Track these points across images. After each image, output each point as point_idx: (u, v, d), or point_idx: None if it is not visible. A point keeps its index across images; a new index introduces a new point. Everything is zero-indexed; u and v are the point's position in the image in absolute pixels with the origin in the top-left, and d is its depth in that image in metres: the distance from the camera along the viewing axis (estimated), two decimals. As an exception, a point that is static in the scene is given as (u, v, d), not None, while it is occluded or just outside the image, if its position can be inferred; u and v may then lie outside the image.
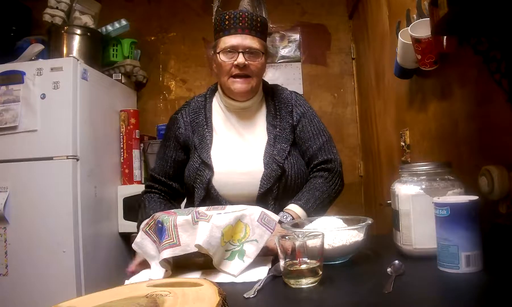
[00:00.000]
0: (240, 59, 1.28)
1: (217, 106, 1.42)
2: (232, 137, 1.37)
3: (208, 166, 1.30)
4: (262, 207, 1.25)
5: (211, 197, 1.29)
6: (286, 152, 1.33)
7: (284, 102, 1.41)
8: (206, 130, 1.37)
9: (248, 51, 1.29)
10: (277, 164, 1.30)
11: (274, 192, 1.29)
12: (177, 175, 1.40)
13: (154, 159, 1.48)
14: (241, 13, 1.31)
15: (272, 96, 1.43)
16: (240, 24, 1.29)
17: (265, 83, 1.46)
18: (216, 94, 1.44)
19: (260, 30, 1.32)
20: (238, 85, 1.31)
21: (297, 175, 1.34)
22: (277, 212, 1.27)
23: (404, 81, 1.71)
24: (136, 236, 1.04)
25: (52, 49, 2.49)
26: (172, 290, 0.71)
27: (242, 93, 1.33)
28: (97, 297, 0.72)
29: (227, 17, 1.31)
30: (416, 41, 1.27)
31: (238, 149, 1.35)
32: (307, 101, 1.47)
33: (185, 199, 1.46)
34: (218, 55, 1.32)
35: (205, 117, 1.39)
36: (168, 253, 0.92)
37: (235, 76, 1.31)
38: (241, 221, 1.00)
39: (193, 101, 1.45)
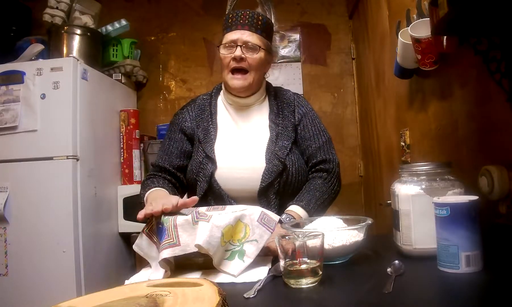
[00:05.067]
0: (237, 52, 1.32)
1: (222, 104, 1.45)
2: (235, 133, 1.40)
3: (212, 160, 1.32)
4: (264, 202, 1.27)
5: (213, 191, 1.31)
6: (288, 149, 1.35)
7: (287, 102, 1.45)
8: (211, 125, 1.40)
9: (246, 46, 1.33)
10: (278, 160, 1.32)
11: (275, 187, 1.31)
12: (182, 167, 1.40)
13: (155, 158, 1.47)
14: (243, 12, 1.36)
15: (275, 96, 1.46)
16: (241, 21, 1.34)
17: (269, 85, 1.50)
18: (221, 92, 1.48)
19: (261, 28, 1.35)
20: (235, 81, 1.35)
21: (298, 172, 1.35)
22: (278, 208, 1.29)
23: (404, 81, 1.71)
24: (136, 236, 1.05)
25: (52, 49, 2.49)
26: (172, 290, 0.71)
27: (240, 89, 1.37)
28: (97, 297, 0.72)
29: (230, 16, 1.37)
30: (416, 41, 1.27)
31: (240, 145, 1.37)
32: (308, 103, 1.50)
33: (185, 195, 1.46)
34: (219, 49, 1.37)
35: (210, 113, 1.42)
36: (167, 253, 0.92)
37: (233, 72, 1.35)
38: (241, 221, 1.01)
39: (199, 99, 1.49)
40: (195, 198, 1.10)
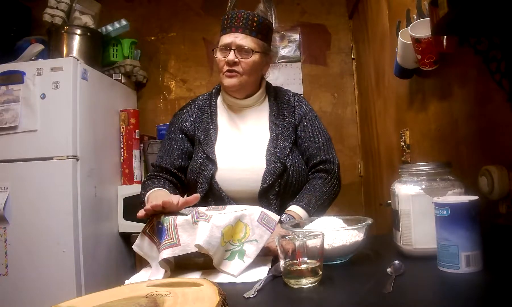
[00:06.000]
0: (230, 56, 1.33)
1: (222, 105, 1.45)
2: (236, 134, 1.40)
3: (212, 161, 1.32)
4: (264, 203, 1.27)
5: (214, 192, 1.31)
6: (288, 150, 1.35)
7: (287, 103, 1.44)
8: (211, 126, 1.40)
9: (239, 49, 1.33)
10: (279, 161, 1.32)
11: (276, 188, 1.31)
12: (183, 168, 1.40)
13: (155, 158, 1.46)
14: (237, 13, 1.35)
15: (275, 97, 1.46)
16: (235, 23, 1.34)
17: (269, 85, 1.50)
18: (221, 93, 1.47)
19: (256, 29, 1.34)
20: (227, 80, 1.35)
21: (298, 173, 1.35)
22: (278, 208, 1.29)
23: (404, 81, 1.71)
24: (136, 236, 1.05)
25: (52, 49, 2.49)
26: (172, 290, 0.71)
27: (232, 88, 1.37)
28: (97, 297, 0.72)
29: (226, 17, 1.37)
30: (416, 41, 1.27)
31: (241, 146, 1.37)
32: (308, 103, 1.50)
33: (185, 196, 1.46)
34: (214, 52, 1.37)
35: (211, 114, 1.42)
36: (168, 253, 0.92)
37: (226, 72, 1.35)
38: (241, 221, 1.01)
39: (199, 99, 1.49)
40: (196, 195, 1.10)
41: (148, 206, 1.02)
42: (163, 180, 1.36)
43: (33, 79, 2.18)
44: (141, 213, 1.03)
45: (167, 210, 1.02)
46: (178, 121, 1.44)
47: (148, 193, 1.28)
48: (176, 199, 1.05)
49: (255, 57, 1.34)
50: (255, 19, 1.35)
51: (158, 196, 1.22)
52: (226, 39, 1.34)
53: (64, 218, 2.10)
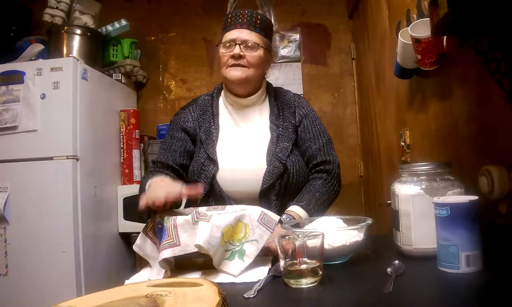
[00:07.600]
0: (236, 50, 1.33)
1: (223, 105, 1.45)
2: (236, 135, 1.40)
3: (214, 162, 1.32)
4: (265, 203, 1.27)
5: (215, 192, 1.31)
6: (288, 151, 1.35)
7: (287, 103, 1.45)
8: (213, 126, 1.40)
9: (245, 44, 1.33)
10: (279, 161, 1.32)
11: (276, 188, 1.31)
12: (185, 166, 1.40)
13: (155, 157, 1.46)
14: (241, 11, 1.37)
15: (275, 97, 1.46)
16: (240, 20, 1.35)
17: (269, 85, 1.50)
18: (222, 93, 1.47)
19: (259, 26, 1.36)
20: (233, 72, 1.35)
21: (299, 173, 1.35)
22: (279, 209, 1.29)
23: (404, 81, 1.71)
24: (136, 236, 1.05)
25: (52, 49, 2.49)
26: (172, 290, 0.71)
27: (238, 81, 1.36)
28: (97, 297, 0.72)
29: (230, 15, 1.38)
30: (416, 41, 1.27)
31: (242, 146, 1.37)
32: (309, 104, 1.50)
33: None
34: (218, 47, 1.38)
35: (212, 114, 1.42)
36: (168, 253, 0.92)
37: (231, 65, 1.35)
38: (241, 221, 1.01)
39: (200, 99, 1.48)
40: (200, 190, 1.08)
41: (150, 199, 1.02)
42: (164, 175, 1.33)
43: (33, 79, 2.18)
44: (142, 203, 1.03)
45: (169, 201, 1.02)
46: (180, 120, 1.44)
47: (149, 180, 1.22)
48: (179, 187, 1.04)
49: (260, 52, 1.35)
50: (259, 17, 1.37)
51: (160, 185, 1.14)
52: (231, 35, 1.34)
53: (64, 218, 2.10)
